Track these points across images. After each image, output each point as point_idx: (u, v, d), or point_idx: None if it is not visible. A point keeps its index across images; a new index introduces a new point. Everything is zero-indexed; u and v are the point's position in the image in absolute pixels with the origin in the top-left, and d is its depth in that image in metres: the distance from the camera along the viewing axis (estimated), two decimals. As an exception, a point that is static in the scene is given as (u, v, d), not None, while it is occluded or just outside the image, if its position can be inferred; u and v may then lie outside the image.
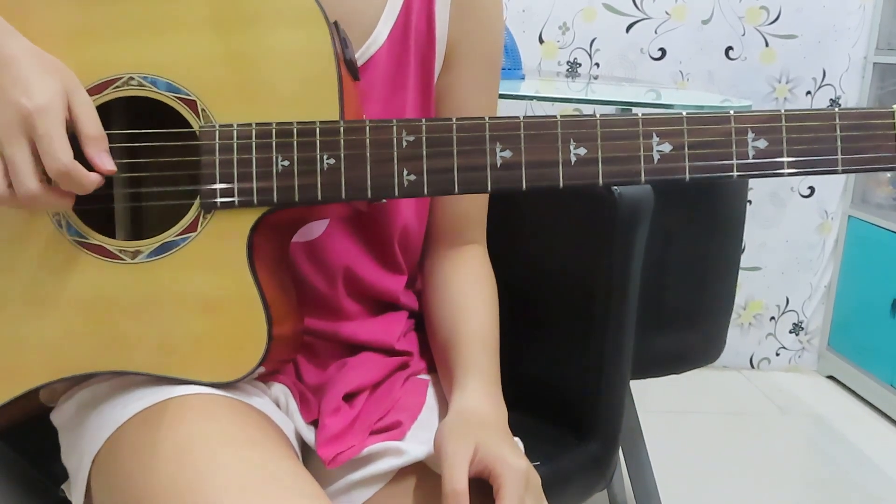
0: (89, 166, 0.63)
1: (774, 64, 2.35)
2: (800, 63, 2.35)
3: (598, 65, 2.31)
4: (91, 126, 0.63)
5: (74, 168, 0.61)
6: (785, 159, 0.62)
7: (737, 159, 0.62)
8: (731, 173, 0.62)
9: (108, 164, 0.63)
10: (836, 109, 0.62)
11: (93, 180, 0.63)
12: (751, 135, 0.62)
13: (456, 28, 0.82)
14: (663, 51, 2.31)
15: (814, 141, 0.62)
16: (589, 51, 2.30)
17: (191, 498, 0.60)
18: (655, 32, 2.30)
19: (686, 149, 0.63)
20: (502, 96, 0.90)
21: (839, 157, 0.62)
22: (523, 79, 1.91)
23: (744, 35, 2.32)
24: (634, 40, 2.30)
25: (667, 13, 2.29)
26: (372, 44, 0.78)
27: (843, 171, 0.61)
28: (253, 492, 0.60)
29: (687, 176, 0.63)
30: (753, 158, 0.62)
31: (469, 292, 0.84)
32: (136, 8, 0.66)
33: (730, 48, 2.33)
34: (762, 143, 0.62)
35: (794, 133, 0.62)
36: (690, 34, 2.31)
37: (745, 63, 2.34)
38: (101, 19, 0.67)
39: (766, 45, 2.34)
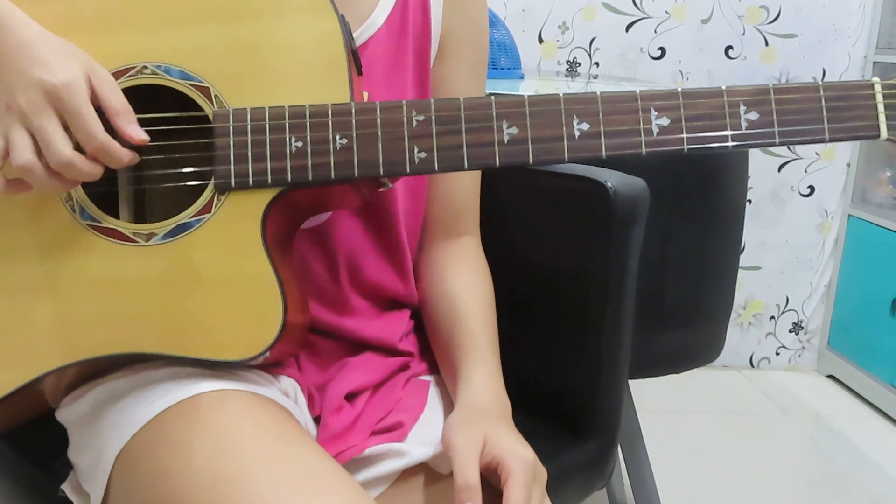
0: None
1: (774, 63, 2.35)
2: (800, 62, 2.35)
3: (597, 64, 2.31)
4: (117, 101, 0.64)
5: (111, 144, 0.63)
6: (776, 129, 0.66)
7: (731, 130, 0.66)
8: (726, 144, 0.66)
9: (140, 134, 0.65)
10: (821, 83, 0.66)
11: (127, 154, 0.64)
12: (742, 107, 0.66)
13: (448, 18, 0.85)
14: (663, 50, 2.31)
15: (801, 112, 0.66)
16: (588, 50, 2.30)
17: (237, 494, 0.60)
18: (655, 32, 2.30)
19: (683, 121, 0.66)
20: (502, 96, 0.91)
21: (825, 126, 0.66)
22: (522, 78, 1.91)
23: (743, 34, 2.32)
24: (634, 40, 2.30)
25: (666, 12, 2.29)
26: (370, 25, 0.80)
27: (831, 140, 0.65)
28: (303, 487, 0.60)
29: (685, 147, 0.66)
30: (746, 129, 0.66)
31: (467, 287, 0.85)
32: None
33: (729, 47, 2.33)
34: (753, 115, 0.66)
35: (783, 105, 0.66)
36: (690, 33, 2.31)
37: (745, 62, 2.34)
38: (114, 10, 0.68)
39: (766, 44, 2.34)
